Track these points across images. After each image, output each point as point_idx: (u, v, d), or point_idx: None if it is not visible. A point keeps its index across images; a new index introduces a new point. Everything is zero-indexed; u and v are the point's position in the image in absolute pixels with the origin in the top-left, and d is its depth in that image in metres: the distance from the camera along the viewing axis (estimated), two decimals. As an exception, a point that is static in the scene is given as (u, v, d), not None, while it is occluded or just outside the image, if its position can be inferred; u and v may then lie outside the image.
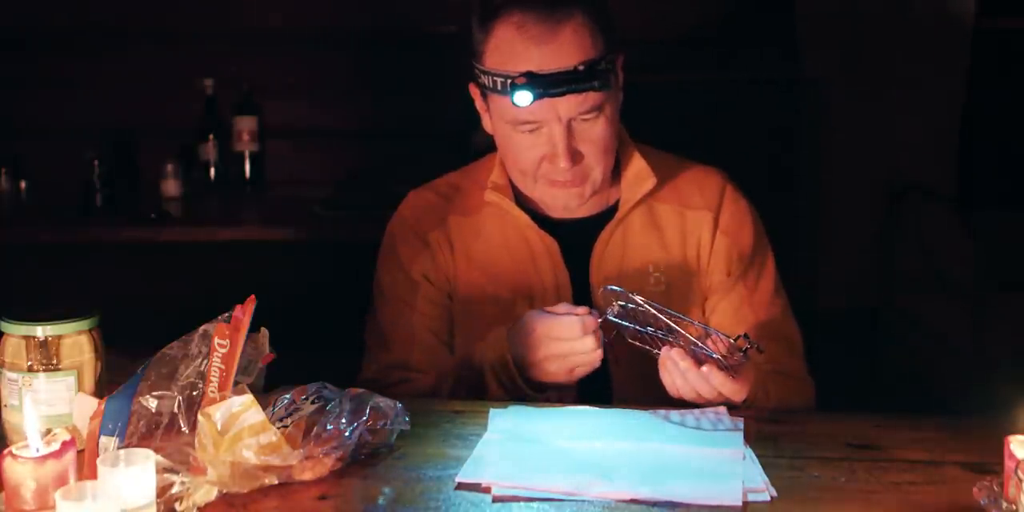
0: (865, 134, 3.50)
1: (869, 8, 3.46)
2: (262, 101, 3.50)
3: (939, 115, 3.48)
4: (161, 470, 1.12)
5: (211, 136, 3.43)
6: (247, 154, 3.47)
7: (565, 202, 1.64)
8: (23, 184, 3.36)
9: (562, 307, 1.50)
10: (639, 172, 1.67)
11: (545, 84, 1.51)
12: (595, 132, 1.58)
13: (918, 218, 3.48)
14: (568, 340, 1.47)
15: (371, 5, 3.55)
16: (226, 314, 1.27)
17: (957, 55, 3.48)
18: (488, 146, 1.82)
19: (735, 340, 1.41)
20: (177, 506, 1.13)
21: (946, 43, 3.47)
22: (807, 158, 3.61)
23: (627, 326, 1.46)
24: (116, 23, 3.49)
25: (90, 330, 1.32)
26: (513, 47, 1.54)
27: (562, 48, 1.53)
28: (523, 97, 1.52)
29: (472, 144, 2.17)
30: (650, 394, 1.53)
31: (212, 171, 3.45)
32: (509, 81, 1.53)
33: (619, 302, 1.46)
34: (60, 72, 3.50)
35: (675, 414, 1.42)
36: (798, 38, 3.51)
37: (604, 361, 1.51)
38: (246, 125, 3.45)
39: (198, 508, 1.13)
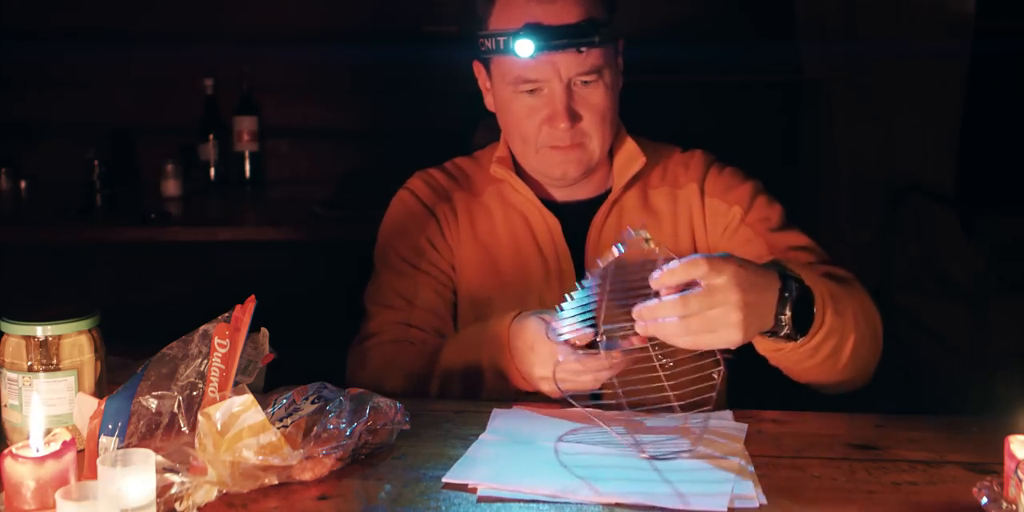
0: (865, 134, 3.49)
1: (869, 8, 3.46)
2: (262, 101, 3.51)
3: (939, 115, 3.47)
4: (161, 470, 1.12)
5: (211, 136, 3.43)
6: (247, 154, 3.48)
7: (564, 170, 1.67)
8: (23, 184, 3.36)
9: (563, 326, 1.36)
10: (629, 152, 1.73)
11: (547, 35, 1.57)
12: (594, 98, 1.62)
13: (918, 218, 3.48)
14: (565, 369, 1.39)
15: (371, 5, 3.55)
16: (226, 314, 1.27)
17: (957, 55, 3.47)
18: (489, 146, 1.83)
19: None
20: (177, 506, 1.13)
21: (946, 43, 3.46)
22: (807, 158, 3.61)
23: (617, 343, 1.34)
24: (116, 23, 3.49)
25: (90, 330, 1.32)
26: (517, 5, 1.60)
27: (565, 6, 1.59)
28: (525, 46, 1.57)
29: (472, 144, 2.17)
30: (654, 396, 1.51)
31: (212, 171, 3.46)
32: (511, 36, 1.58)
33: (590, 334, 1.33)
34: (60, 72, 3.50)
35: (676, 417, 1.41)
36: (798, 38, 3.51)
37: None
38: (246, 125, 3.46)
39: (198, 508, 1.13)
